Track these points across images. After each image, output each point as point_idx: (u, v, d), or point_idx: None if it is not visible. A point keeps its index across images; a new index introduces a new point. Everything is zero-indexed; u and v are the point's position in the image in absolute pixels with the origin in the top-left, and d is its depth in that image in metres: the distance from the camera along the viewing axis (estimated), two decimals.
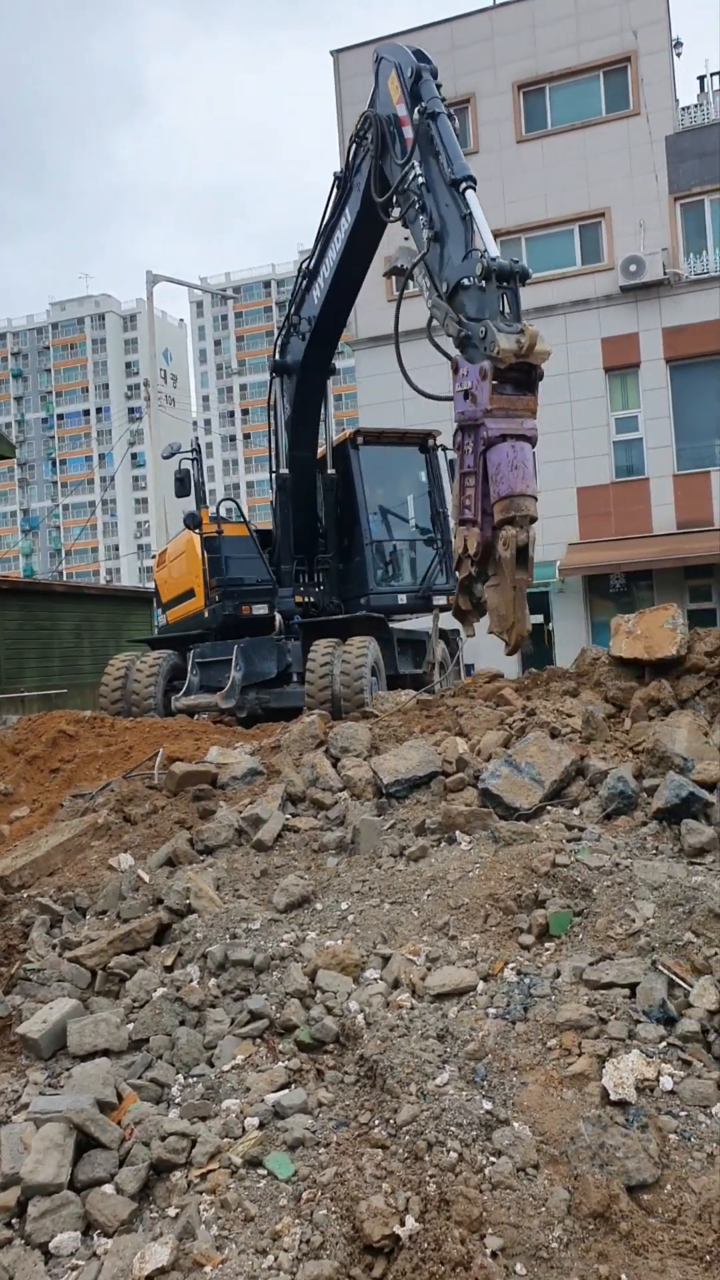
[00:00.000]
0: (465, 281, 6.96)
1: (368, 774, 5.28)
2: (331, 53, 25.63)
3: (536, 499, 6.24)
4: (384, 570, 12.09)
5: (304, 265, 10.77)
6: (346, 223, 9.77)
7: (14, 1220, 2.57)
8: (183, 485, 11.78)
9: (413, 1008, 3.27)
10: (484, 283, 6.67)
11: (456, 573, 6.76)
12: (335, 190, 9.89)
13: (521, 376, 6.38)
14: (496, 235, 23.92)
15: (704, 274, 22.26)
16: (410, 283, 8.07)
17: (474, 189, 7.45)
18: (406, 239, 8.25)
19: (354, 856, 4.60)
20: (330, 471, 11.79)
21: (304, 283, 10.80)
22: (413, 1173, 2.54)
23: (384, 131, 8.59)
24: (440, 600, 11.89)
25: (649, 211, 22.52)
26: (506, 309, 6.57)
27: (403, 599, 12.00)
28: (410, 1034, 3.11)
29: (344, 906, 4.12)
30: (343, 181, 9.76)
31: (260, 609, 11.38)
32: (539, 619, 24.00)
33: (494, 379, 6.24)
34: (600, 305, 23.01)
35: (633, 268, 22.14)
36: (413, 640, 12.79)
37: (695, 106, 23.37)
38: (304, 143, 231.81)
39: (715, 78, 23.98)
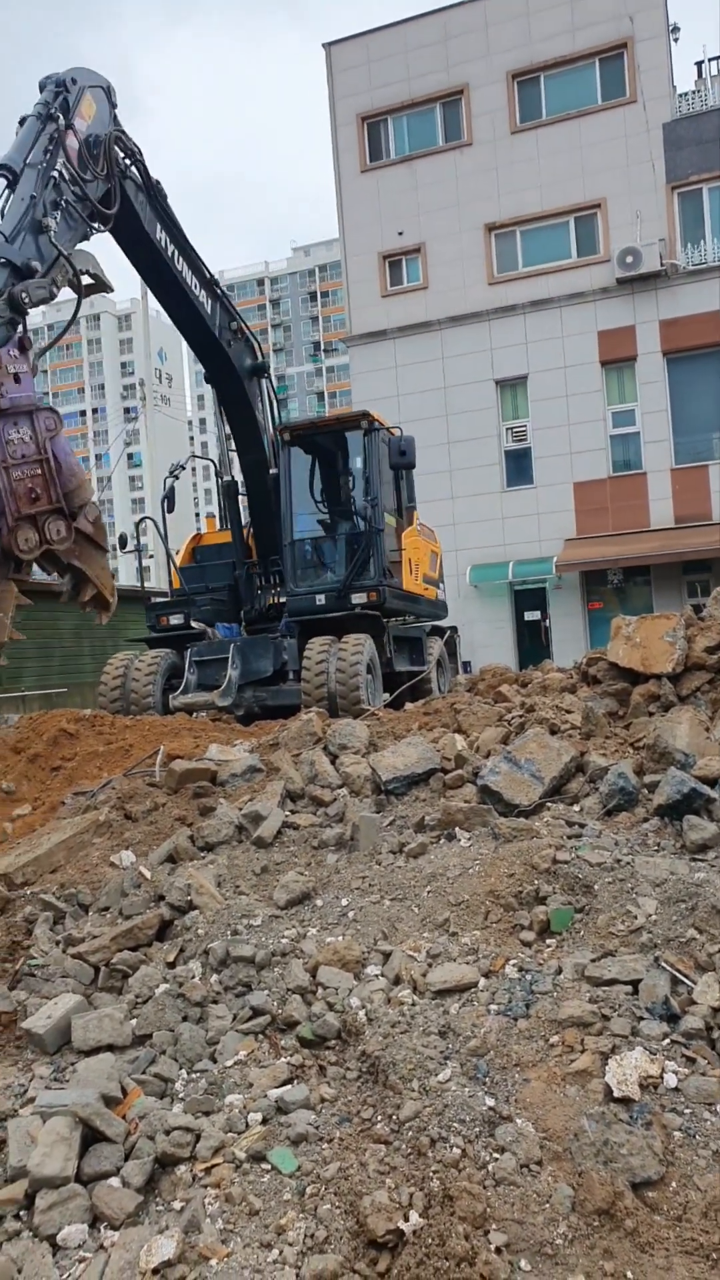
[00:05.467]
0: None
1: (366, 771, 5.29)
2: (323, 45, 25.57)
3: None
4: (304, 570, 11.71)
5: None
6: None
7: (22, 1212, 2.59)
8: (169, 502, 12.62)
9: (414, 1004, 3.28)
10: None
11: None
12: None
13: None
14: (492, 228, 23.95)
15: (702, 264, 22.20)
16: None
17: None
18: None
19: (354, 853, 4.61)
20: (273, 471, 11.64)
21: None
22: (416, 1168, 2.55)
23: None
24: (359, 599, 10.95)
25: (646, 201, 22.46)
26: None
27: (320, 599, 11.13)
28: (412, 1030, 3.12)
29: (344, 903, 4.12)
30: None
31: (176, 619, 11.64)
32: (535, 615, 24.04)
33: None
34: (596, 298, 22.98)
35: (629, 259, 22.08)
36: (409, 638, 12.79)
37: (693, 93, 23.14)
38: (296, 136, 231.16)
39: (713, 63, 23.81)
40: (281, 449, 11.66)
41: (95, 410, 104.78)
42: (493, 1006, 3.20)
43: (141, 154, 8.21)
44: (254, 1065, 3.11)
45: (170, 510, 12.41)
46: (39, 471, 5.48)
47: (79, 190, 6.90)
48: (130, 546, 12.51)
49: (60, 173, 6.69)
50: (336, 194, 25.68)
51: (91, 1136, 2.76)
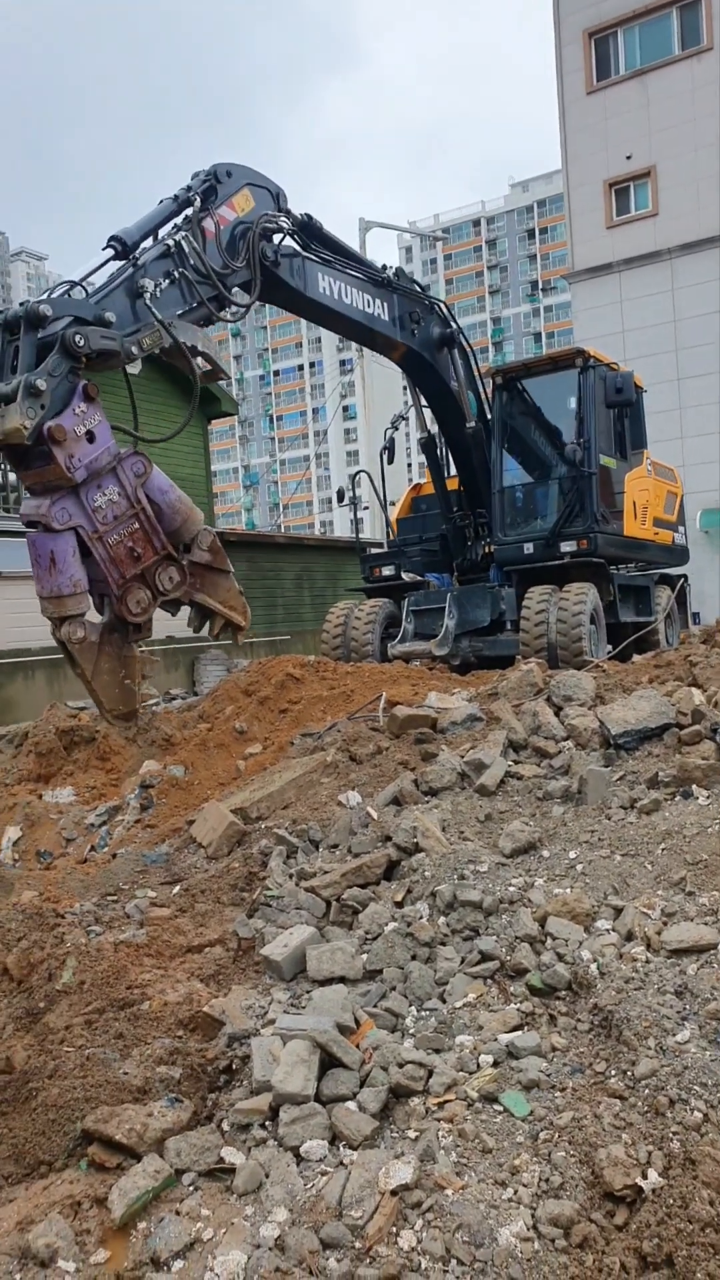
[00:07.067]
0: None
1: (593, 724, 5.14)
2: None
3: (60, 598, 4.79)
4: (514, 518, 11.32)
5: None
6: None
7: (267, 1123, 2.77)
8: (389, 454, 12.75)
9: (648, 961, 3.17)
10: None
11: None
12: None
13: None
14: None
15: None
16: None
17: None
18: None
19: (581, 806, 4.51)
20: (469, 425, 10.91)
21: None
22: (654, 1127, 2.49)
23: None
24: (569, 547, 10.50)
25: None
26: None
27: (529, 548, 10.82)
28: (646, 987, 3.02)
29: (572, 855, 4.05)
30: None
31: (387, 570, 12.10)
32: None
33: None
34: None
35: None
36: (636, 586, 12.24)
37: None
38: (518, 70, 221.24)
39: None
40: (494, 393, 11.31)
41: (312, 365, 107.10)
42: None
43: (292, 220, 7.53)
44: (483, 1009, 3.14)
45: (390, 462, 12.54)
46: (136, 526, 4.97)
47: (201, 269, 6.31)
48: (346, 500, 12.80)
49: (180, 244, 6.18)
50: (560, 121, 24.40)
51: (328, 1061, 2.90)
